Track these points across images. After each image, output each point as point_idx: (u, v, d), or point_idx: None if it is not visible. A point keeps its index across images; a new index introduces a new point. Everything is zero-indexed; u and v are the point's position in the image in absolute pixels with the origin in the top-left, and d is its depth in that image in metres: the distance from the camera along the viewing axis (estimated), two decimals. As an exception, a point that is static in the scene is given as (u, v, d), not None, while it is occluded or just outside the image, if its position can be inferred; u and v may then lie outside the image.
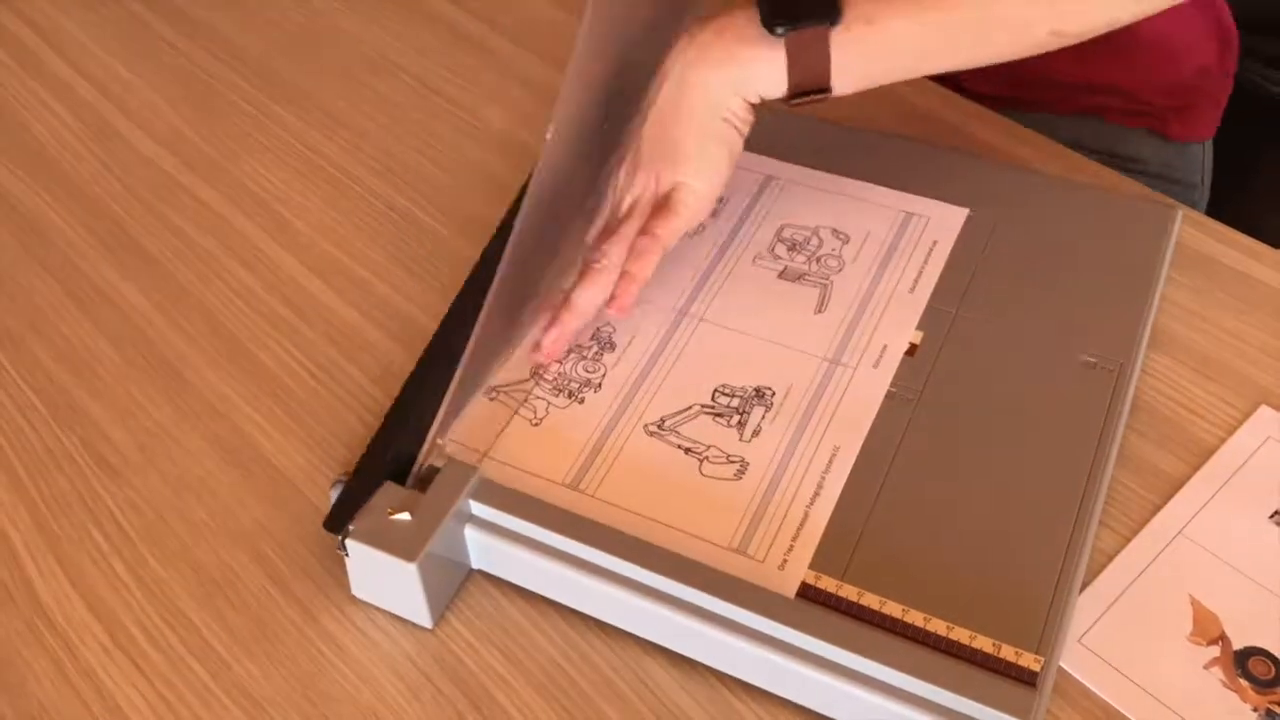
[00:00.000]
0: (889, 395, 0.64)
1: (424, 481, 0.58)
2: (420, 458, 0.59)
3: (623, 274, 0.65)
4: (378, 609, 0.60)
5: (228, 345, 0.72)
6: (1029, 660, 0.53)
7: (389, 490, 0.58)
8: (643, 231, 0.65)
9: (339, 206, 0.81)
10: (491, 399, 0.64)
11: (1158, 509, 0.62)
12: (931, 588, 0.56)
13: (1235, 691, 0.55)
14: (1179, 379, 0.68)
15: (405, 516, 0.57)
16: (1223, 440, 0.65)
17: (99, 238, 0.79)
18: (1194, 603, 0.58)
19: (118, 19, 0.98)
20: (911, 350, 0.66)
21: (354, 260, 0.77)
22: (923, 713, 0.52)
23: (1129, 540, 0.61)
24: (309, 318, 0.74)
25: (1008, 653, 0.53)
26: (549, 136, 0.54)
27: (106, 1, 0.99)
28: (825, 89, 0.63)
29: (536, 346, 0.65)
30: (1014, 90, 0.91)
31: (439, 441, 0.60)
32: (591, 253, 0.65)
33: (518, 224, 0.53)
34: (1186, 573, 0.60)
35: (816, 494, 0.59)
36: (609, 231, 0.66)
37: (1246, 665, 0.56)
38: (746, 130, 0.66)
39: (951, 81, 0.88)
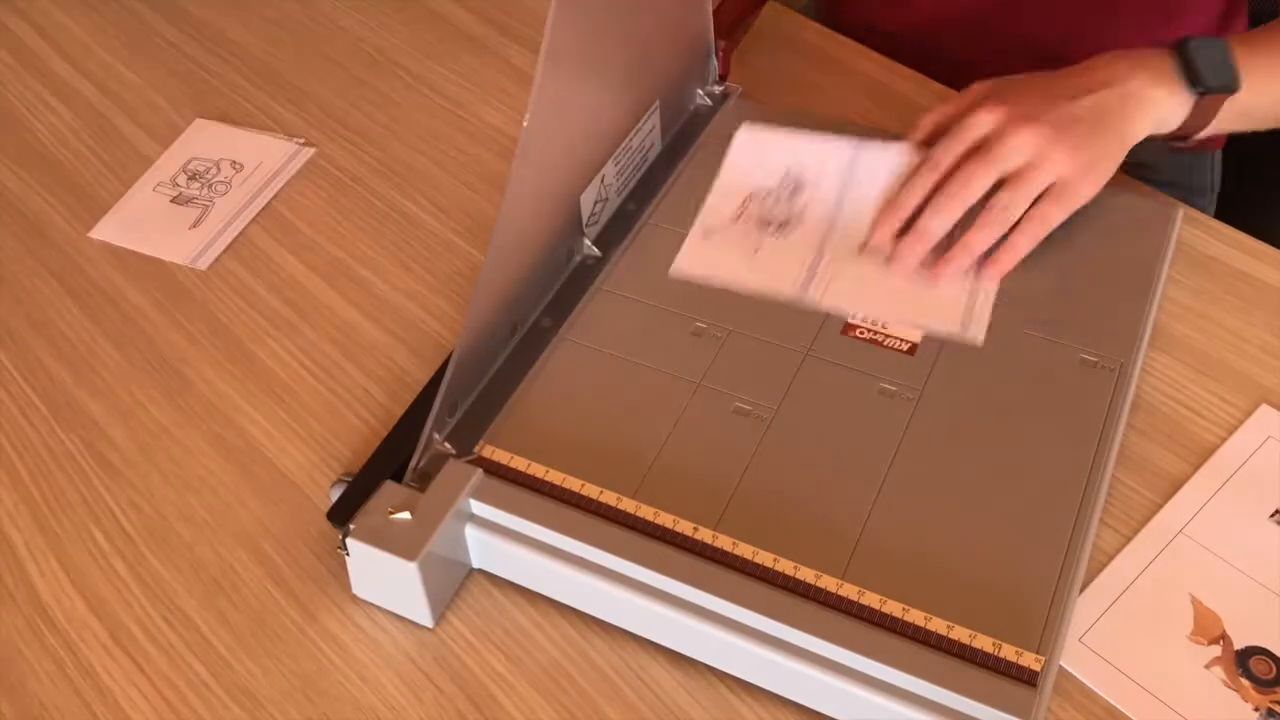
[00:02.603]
0: (889, 395, 0.64)
1: (424, 480, 0.59)
2: (418, 455, 0.59)
3: (1008, 246, 0.68)
4: (378, 608, 0.60)
5: (228, 345, 0.72)
6: (1029, 660, 0.53)
7: (389, 489, 0.58)
8: (1037, 213, 0.68)
9: (339, 206, 0.81)
10: (707, 238, 0.71)
11: (1158, 508, 0.62)
12: (931, 587, 0.56)
13: (1236, 691, 0.55)
14: (1179, 378, 0.68)
15: (406, 516, 0.57)
16: (1223, 439, 0.65)
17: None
18: (1195, 602, 0.58)
19: (119, 18, 0.98)
20: (911, 350, 0.66)
21: (354, 260, 0.77)
22: (923, 712, 0.52)
23: (1130, 539, 0.61)
24: (310, 317, 0.74)
25: (1008, 652, 0.53)
26: (526, 124, 0.54)
27: (108, 1, 0.99)
28: (1191, 136, 0.72)
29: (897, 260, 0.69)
30: None
31: (435, 437, 0.60)
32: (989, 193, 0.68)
33: (499, 216, 0.53)
34: (1187, 572, 0.60)
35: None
36: (988, 157, 0.68)
37: (1248, 665, 0.56)
38: None
39: (953, 84, 0.88)
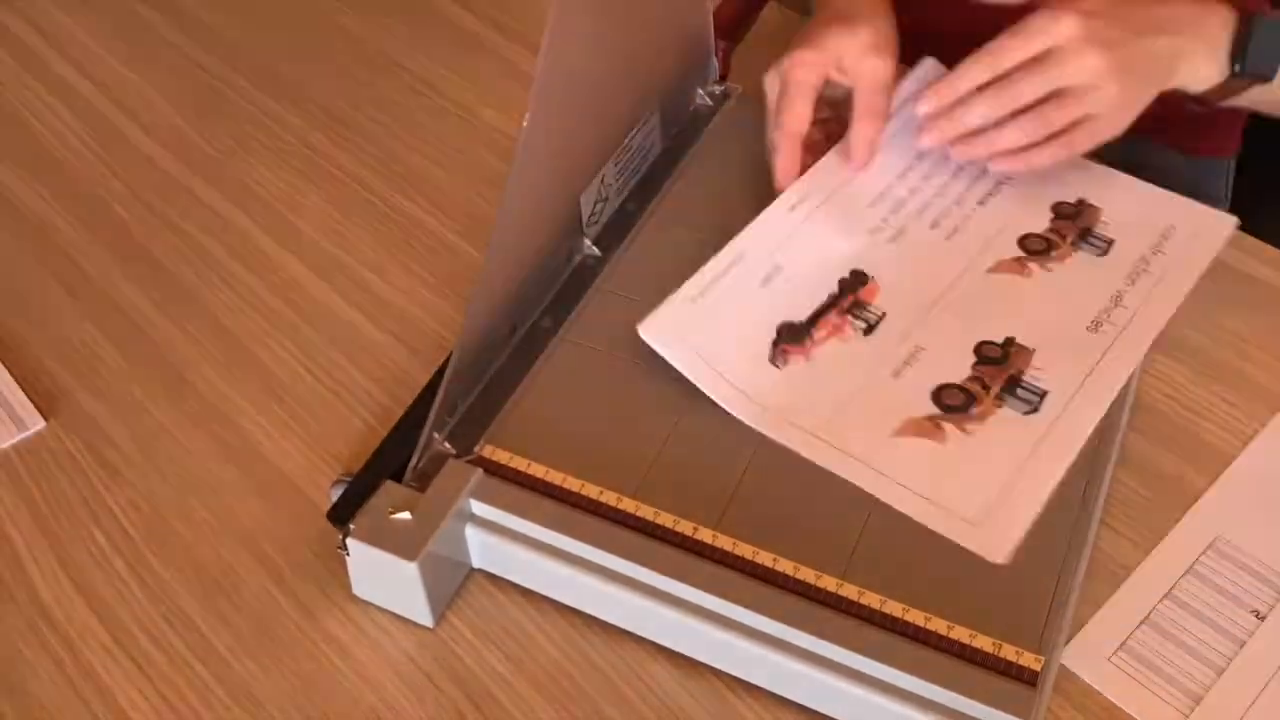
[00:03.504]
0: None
1: (423, 479, 0.59)
2: (417, 455, 0.59)
3: (1026, 156, 0.68)
4: (379, 608, 0.60)
5: (229, 345, 0.72)
6: (1029, 659, 0.53)
7: (389, 489, 0.58)
8: (1066, 138, 0.67)
9: (340, 206, 0.81)
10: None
11: (1158, 507, 0.62)
12: (931, 587, 0.56)
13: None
14: (1180, 379, 0.68)
15: (406, 515, 0.57)
16: (1223, 439, 0.65)
17: (101, 238, 0.79)
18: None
19: (120, 19, 0.98)
20: (912, 350, 0.66)
21: (355, 260, 0.77)
22: (923, 712, 0.52)
23: (1129, 539, 0.61)
24: (310, 318, 0.74)
25: (1008, 652, 0.53)
26: (525, 123, 0.54)
27: (108, 1, 0.99)
28: (1209, 103, 0.71)
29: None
30: None
31: (435, 436, 0.60)
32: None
33: (499, 216, 0.53)
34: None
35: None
36: (1043, 69, 0.66)
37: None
38: None
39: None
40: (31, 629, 0.60)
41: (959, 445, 0.60)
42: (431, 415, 0.59)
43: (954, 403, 0.62)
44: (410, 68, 0.92)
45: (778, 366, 0.63)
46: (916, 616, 0.55)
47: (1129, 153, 0.91)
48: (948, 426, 0.61)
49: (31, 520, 0.64)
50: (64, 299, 0.76)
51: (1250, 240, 0.76)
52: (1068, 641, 0.57)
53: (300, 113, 0.88)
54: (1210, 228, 0.71)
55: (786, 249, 0.68)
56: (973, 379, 0.63)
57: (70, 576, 0.62)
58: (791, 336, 0.65)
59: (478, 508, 0.58)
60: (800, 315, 0.66)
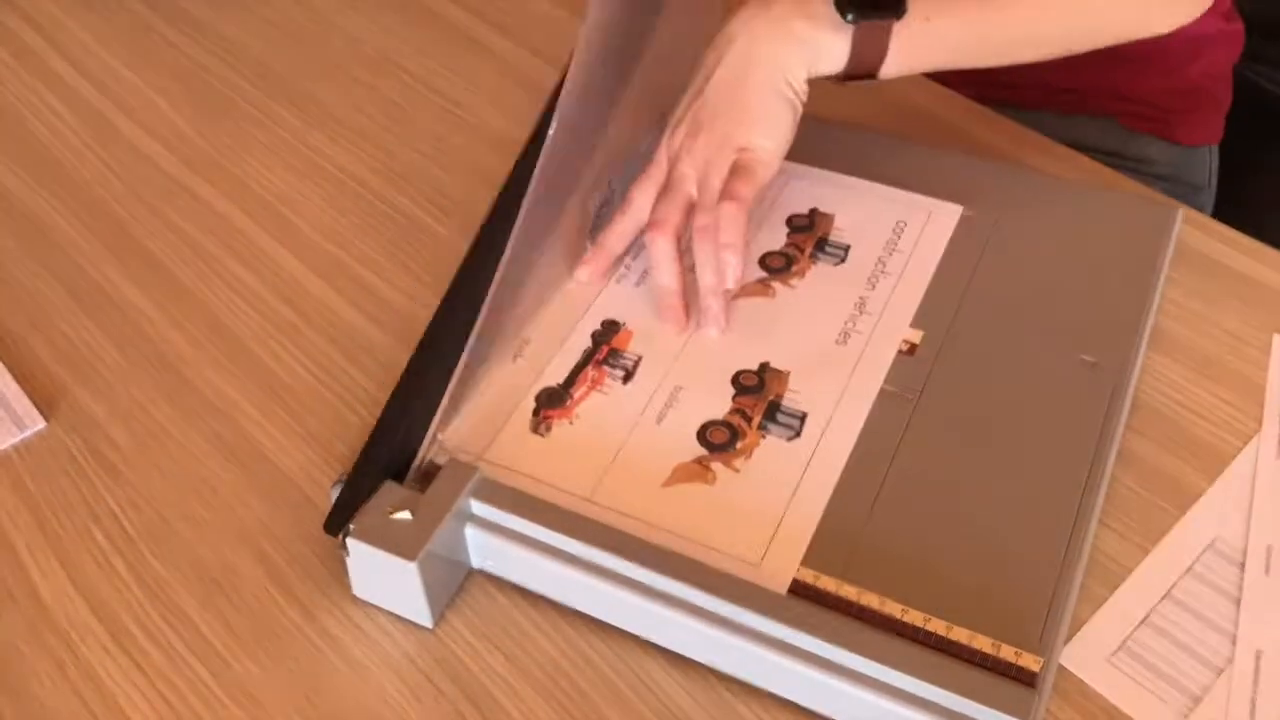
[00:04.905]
0: (888, 394, 0.64)
1: (424, 479, 0.59)
2: (420, 455, 0.59)
3: (723, 247, 0.64)
4: (378, 608, 0.60)
5: (229, 345, 0.73)
6: (1029, 660, 0.53)
7: (389, 489, 0.58)
8: (724, 196, 0.65)
9: (340, 206, 0.81)
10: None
11: (1157, 507, 0.62)
12: (931, 587, 0.56)
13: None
14: (1179, 379, 0.68)
15: (405, 515, 0.57)
16: (1223, 439, 0.65)
17: (100, 237, 0.80)
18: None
19: (119, 19, 0.98)
20: (911, 350, 0.66)
21: (355, 260, 0.77)
22: (922, 713, 0.52)
23: (1129, 539, 0.61)
24: (310, 317, 0.74)
25: (1007, 652, 0.53)
26: (551, 132, 0.54)
27: (108, 1, 0.99)
28: (874, 74, 0.67)
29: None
30: (1013, 95, 0.91)
31: (439, 437, 0.60)
32: (644, 208, 0.67)
33: (515, 230, 0.54)
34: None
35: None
36: (668, 190, 0.66)
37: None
38: (802, 105, 0.68)
39: (947, 84, 0.88)
40: (31, 629, 0.60)
41: (729, 484, 0.60)
42: (436, 417, 0.59)
43: (719, 440, 0.61)
44: (410, 68, 0.92)
45: (541, 435, 0.62)
46: (916, 617, 0.55)
47: (1108, 141, 0.91)
48: (716, 466, 0.60)
49: (31, 520, 0.64)
50: (64, 299, 0.76)
51: (1251, 240, 0.76)
52: (1067, 642, 0.57)
53: (300, 112, 0.88)
54: (939, 218, 0.72)
55: (534, 320, 0.67)
56: (734, 411, 0.62)
57: (70, 576, 0.62)
58: (550, 401, 0.63)
59: (478, 508, 0.58)
60: (558, 378, 0.65)
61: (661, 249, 0.65)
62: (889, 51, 0.66)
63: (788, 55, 0.66)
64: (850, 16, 0.64)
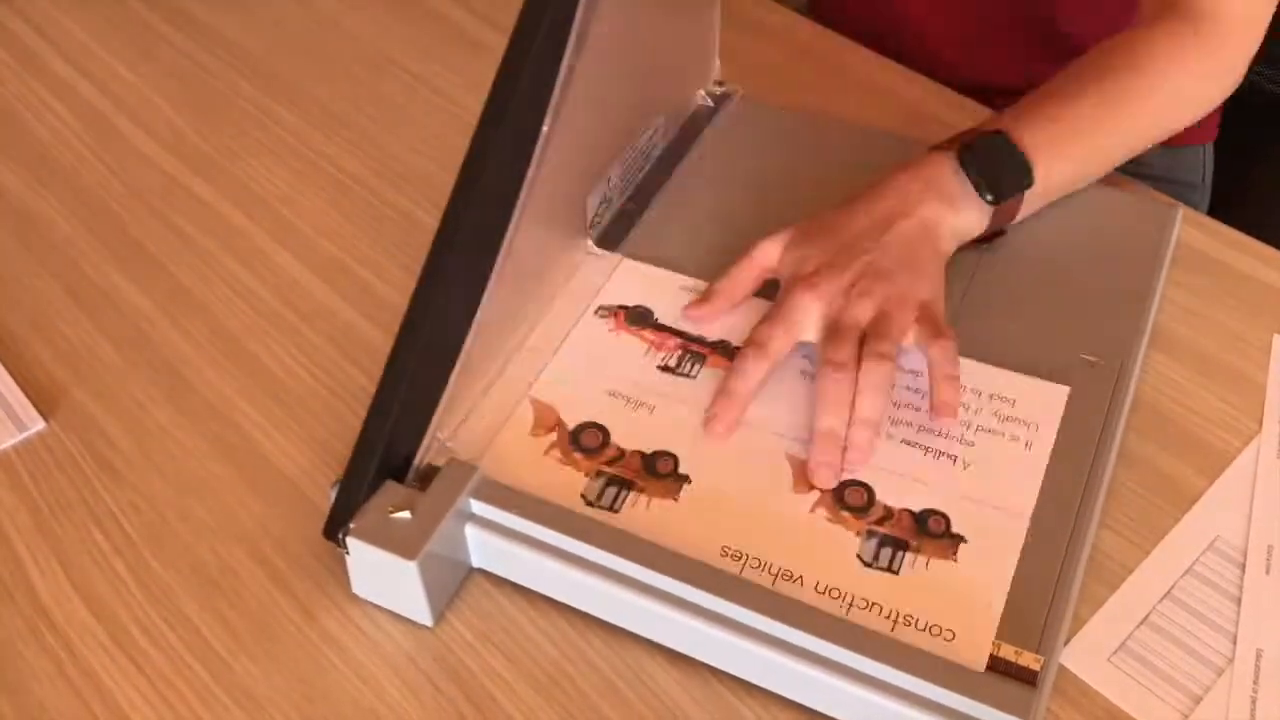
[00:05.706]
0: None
1: (424, 479, 0.59)
2: (420, 454, 0.59)
3: (948, 379, 0.62)
4: (378, 608, 0.60)
5: (228, 345, 0.72)
6: (1029, 659, 0.53)
7: (389, 489, 0.58)
8: (937, 335, 0.63)
9: (340, 206, 0.81)
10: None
11: (1157, 507, 0.62)
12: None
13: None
14: (1179, 379, 0.68)
15: (405, 515, 0.57)
16: (1223, 439, 0.65)
17: (100, 237, 0.79)
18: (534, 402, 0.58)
19: (119, 19, 0.98)
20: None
21: (355, 260, 0.77)
22: (922, 711, 0.52)
23: (1129, 539, 0.61)
24: (310, 318, 0.74)
25: (1007, 652, 0.53)
26: (544, 131, 0.54)
27: (108, 1, 0.99)
28: (1004, 231, 0.71)
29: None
30: (1014, 99, 0.91)
31: (439, 437, 0.60)
32: (779, 351, 0.64)
33: (510, 228, 0.53)
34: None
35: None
36: (841, 333, 0.63)
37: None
38: None
39: (950, 82, 0.88)
40: (31, 629, 0.60)
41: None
42: (435, 417, 0.59)
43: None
44: (410, 68, 0.92)
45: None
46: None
47: None
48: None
49: (31, 520, 0.64)
50: (63, 299, 0.76)
51: (1251, 240, 0.76)
52: (1067, 642, 0.57)
53: (299, 112, 0.88)
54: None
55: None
56: None
57: (70, 577, 0.62)
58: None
59: (478, 507, 0.58)
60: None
61: (842, 391, 0.61)
62: (1021, 208, 0.70)
63: (951, 225, 0.68)
64: (991, 199, 0.68)
